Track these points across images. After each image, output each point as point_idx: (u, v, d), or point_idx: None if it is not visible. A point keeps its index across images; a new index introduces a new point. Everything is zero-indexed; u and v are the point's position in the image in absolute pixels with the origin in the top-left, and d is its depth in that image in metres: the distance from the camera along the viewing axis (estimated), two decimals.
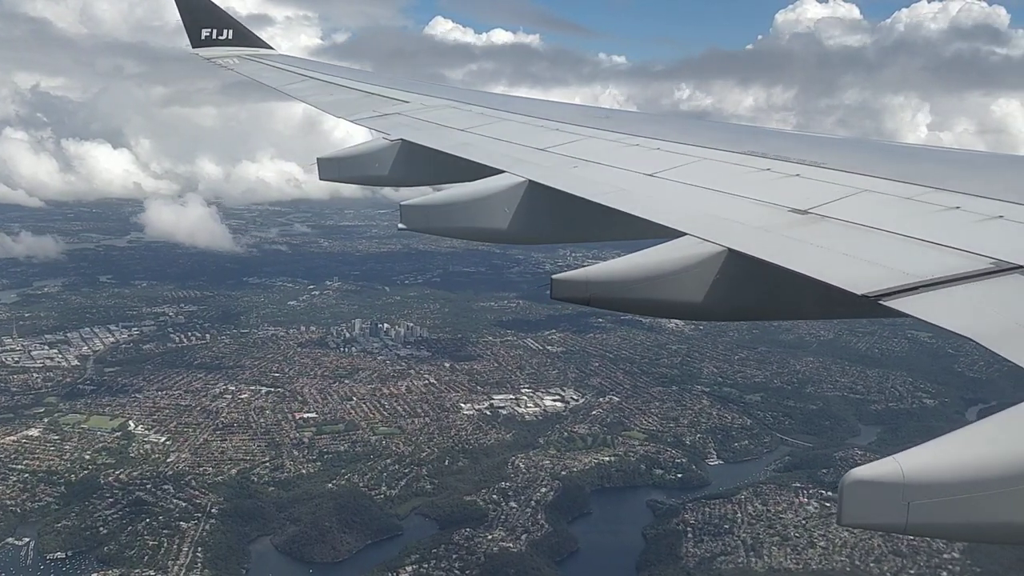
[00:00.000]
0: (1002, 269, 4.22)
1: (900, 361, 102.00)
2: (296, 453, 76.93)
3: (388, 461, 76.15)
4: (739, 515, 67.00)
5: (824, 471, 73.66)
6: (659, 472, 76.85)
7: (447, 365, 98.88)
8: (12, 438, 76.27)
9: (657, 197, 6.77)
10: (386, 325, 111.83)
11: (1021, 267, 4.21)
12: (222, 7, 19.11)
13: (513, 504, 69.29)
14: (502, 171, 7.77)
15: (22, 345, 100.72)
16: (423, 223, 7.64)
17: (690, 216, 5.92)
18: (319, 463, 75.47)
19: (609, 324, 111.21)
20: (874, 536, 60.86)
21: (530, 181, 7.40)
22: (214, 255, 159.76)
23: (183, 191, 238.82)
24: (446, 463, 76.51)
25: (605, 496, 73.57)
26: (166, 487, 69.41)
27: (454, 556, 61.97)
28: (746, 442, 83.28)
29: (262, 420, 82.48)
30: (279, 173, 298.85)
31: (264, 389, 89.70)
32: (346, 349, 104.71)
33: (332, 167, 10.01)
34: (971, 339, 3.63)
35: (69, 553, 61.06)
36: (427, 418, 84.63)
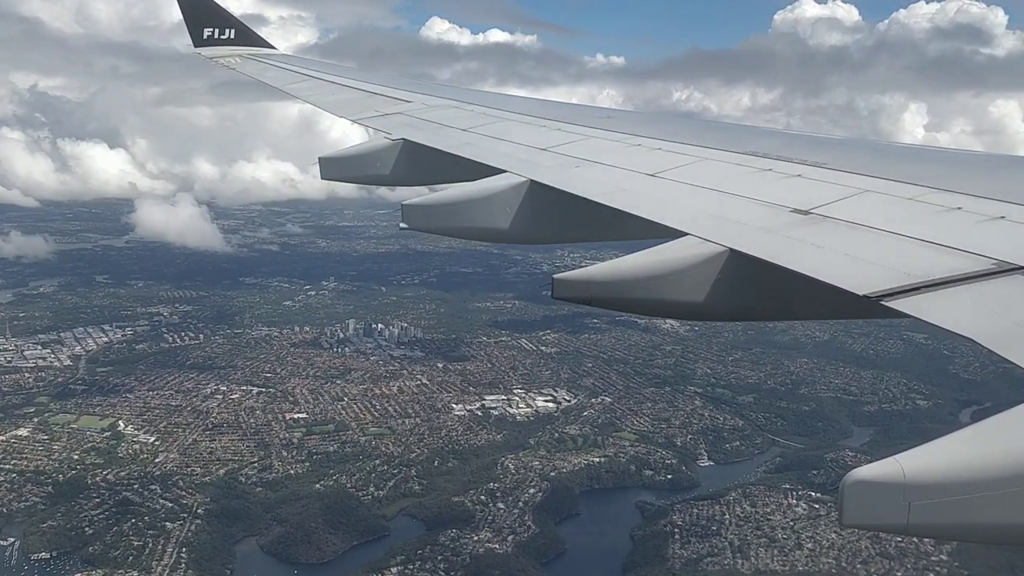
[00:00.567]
0: (1004, 270, 4.25)
1: (895, 362, 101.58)
2: (285, 454, 76.81)
3: (377, 462, 75.99)
4: (727, 516, 66.81)
5: (814, 472, 73.65)
6: (649, 473, 76.58)
7: (440, 366, 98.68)
8: (1, 438, 76.27)
9: (659, 197, 6.82)
10: (380, 325, 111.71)
11: (1023, 268, 4.23)
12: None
13: (501, 505, 69.11)
14: (504, 171, 7.81)
15: (15, 345, 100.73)
16: (424, 223, 7.65)
17: (692, 216, 5.98)
18: (308, 464, 75.32)
19: (604, 325, 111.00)
20: (862, 538, 60.63)
21: (532, 181, 7.44)
22: (211, 255, 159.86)
23: (179, 191, 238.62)
24: (435, 464, 76.32)
25: (594, 497, 73.30)
26: (153, 487, 69.31)
27: (439, 557, 61.83)
28: (737, 443, 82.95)
29: (252, 420, 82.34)
30: (275, 173, 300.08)
31: (255, 389, 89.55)
32: (339, 349, 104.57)
33: (334, 166, 10.06)
34: (973, 340, 3.66)
35: (54, 553, 60.97)
36: (418, 419, 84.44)
